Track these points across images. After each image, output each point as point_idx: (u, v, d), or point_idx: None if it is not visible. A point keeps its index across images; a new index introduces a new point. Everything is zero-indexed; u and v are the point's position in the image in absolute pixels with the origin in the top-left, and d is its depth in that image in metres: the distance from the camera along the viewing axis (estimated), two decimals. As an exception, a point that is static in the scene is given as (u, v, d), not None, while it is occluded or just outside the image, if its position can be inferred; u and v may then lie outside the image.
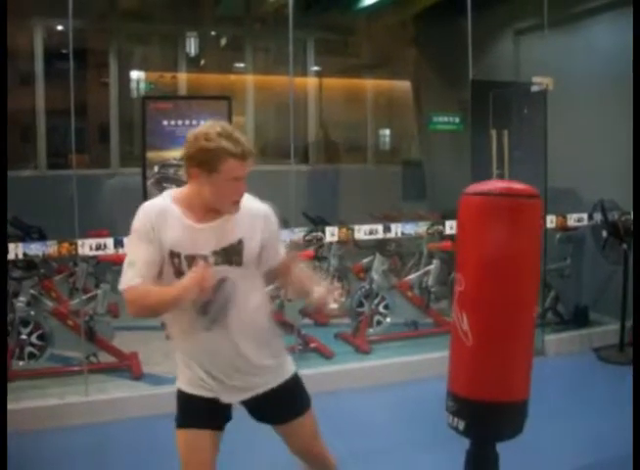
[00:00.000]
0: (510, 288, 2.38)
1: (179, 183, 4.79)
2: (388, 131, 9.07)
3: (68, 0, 4.03)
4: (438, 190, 7.83)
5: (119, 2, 7.48)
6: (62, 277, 6.06)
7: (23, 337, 4.60)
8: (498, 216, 2.36)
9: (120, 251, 4.17)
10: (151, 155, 4.84)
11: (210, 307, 2.19)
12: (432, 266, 5.80)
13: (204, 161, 2.09)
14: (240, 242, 2.20)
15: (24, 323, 4.62)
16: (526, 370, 2.47)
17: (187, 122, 4.89)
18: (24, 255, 4.02)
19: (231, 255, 2.19)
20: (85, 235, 4.18)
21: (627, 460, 2.75)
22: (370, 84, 8.84)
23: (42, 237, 5.09)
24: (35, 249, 4.04)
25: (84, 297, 4.95)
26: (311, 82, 8.49)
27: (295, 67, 5.57)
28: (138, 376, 4.65)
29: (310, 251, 5.35)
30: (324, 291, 2.34)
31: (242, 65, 8.33)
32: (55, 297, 5.50)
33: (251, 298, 2.27)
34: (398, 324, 5.69)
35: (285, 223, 4.12)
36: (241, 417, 2.38)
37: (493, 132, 5.30)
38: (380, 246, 5.85)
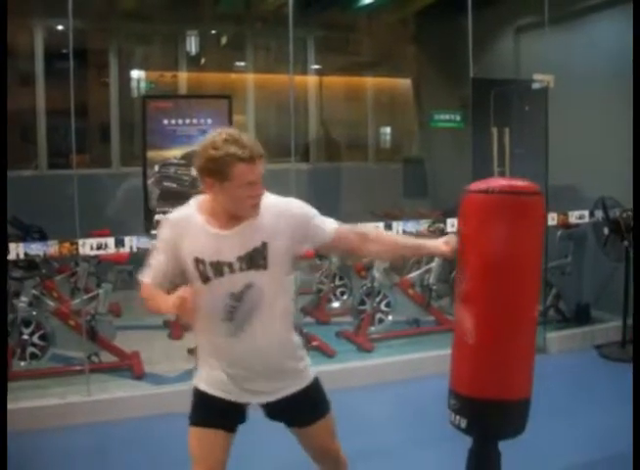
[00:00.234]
0: (512, 286, 2.36)
1: (179, 182, 4.82)
2: (388, 129, 9.05)
3: (68, 0, 4.03)
4: (439, 188, 7.83)
5: (119, 1, 7.47)
6: (63, 277, 6.06)
7: (25, 337, 4.60)
8: (501, 214, 2.35)
9: (121, 250, 4.18)
10: (151, 154, 4.83)
11: (236, 314, 2.21)
12: (433, 264, 5.80)
13: (214, 170, 2.09)
14: (264, 245, 2.19)
15: (26, 323, 4.62)
16: (529, 368, 2.46)
17: (187, 121, 4.89)
18: (26, 255, 4.02)
19: (256, 259, 2.19)
20: (87, 235, 4.19)
21: (629, 457, 2.75)
22: (371, 82, 8.83)
23: (43, 237, 5.09)
24: (36, 249, 4.04)
25: (86, 296, 4.95)
26: (312, 80, 8.48)
27: (295, 65, 5.56)
28: (140, 376, 4.65)
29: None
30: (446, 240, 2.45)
31: (242, 63, 8.32)
32: (56, 297, 5.52)
33: (277, 303, 2.27)
34: (400, 322, 5.70)
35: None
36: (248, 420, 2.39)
37: (494, 130, 5.29)
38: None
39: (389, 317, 5.60)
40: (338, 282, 6.46)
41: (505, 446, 2.53)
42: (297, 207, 2.29)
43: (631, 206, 5.17)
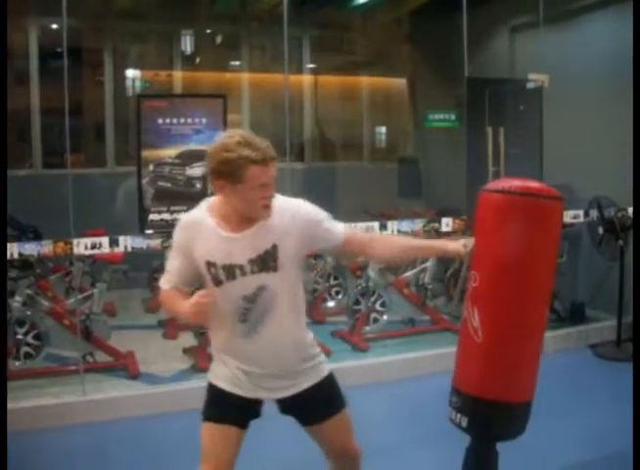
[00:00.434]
0: (524, 287, 2.32)
1: (174, 182, 4.80)
2: (383, 129, 9.06)
3: (63, -2, 4.02)
4: (434, 187, 7.84)
5: (114, 0, 7.45)
6: (57, 276, 6.04)
7: (19, 337, 4.58)
8: (517, 215, 2.30)
9: (116, 249, 4.17)
10: (146, 153, 4.82)
11: (249, 316, 2.23)
12: (428, 264, 5.80)
13: (227, 172, 2.09)
14: (274, 247, 2.19)
15: (20, 323, 4.61)
16: (534, 371, 2.43)
17: (182, 121, 4.87)
18: (20, 254, 4.01)
19: (267, 261, 2.20)
20: (81, 234, 4.18)
21: (625, 456, 2.76)
22: (366, 82, 8.82)
23: (37, 236, 5.07)
24: (31, 248, 4.03)
25: (80, 296, 4.94)
26: (307, 80, 8.47)
27: (290, 64, 5.56)
28: (135, 375, 4.64)
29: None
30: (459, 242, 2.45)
31: (237, 62, 8.32)
32: (51, 296, 5.50)
33: (290, 304, 2.28)
34: (395, 322, 5.70)
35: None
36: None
37: (489, 129, 5.29)
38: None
39: (384, 317, 5.60)
40: (333, 282, 6.46)
41: (501, 446, 2.53)
42: (306, 209, 2.30)
43: (626, 205, 5.18)
